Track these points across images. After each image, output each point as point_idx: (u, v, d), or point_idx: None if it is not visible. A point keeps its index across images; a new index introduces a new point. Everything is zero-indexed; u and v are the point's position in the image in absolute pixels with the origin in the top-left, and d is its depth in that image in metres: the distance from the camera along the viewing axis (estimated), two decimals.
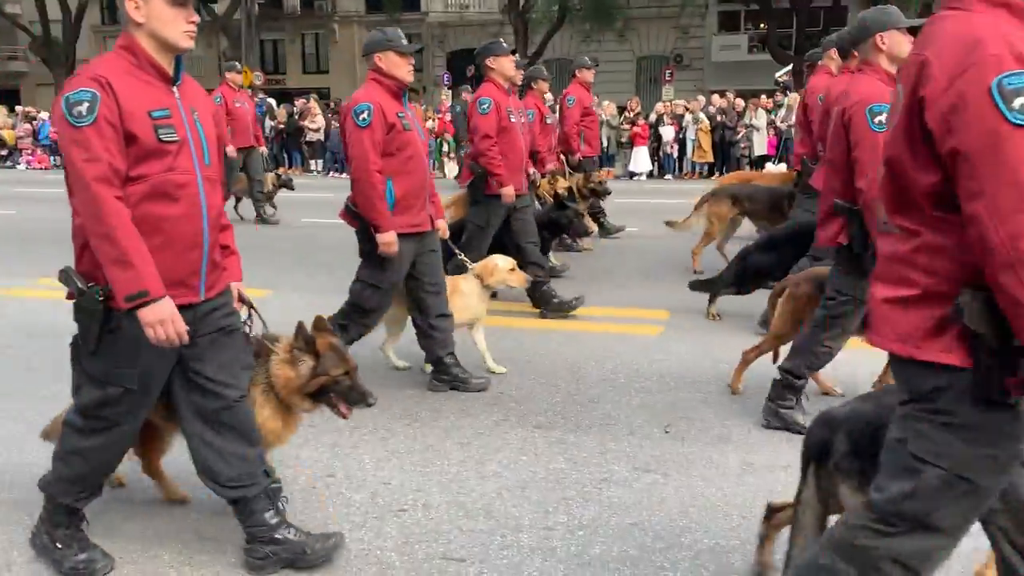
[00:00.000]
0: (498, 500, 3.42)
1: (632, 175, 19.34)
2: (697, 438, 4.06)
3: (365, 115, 4.31)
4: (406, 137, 4.43)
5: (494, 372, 5.04)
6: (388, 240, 4.38)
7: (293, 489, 3.52)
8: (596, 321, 6.37)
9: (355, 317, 4.61)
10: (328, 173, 21.39)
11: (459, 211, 8.22)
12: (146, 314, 2.49)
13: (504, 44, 6.81)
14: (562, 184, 9.11)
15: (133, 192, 2.53)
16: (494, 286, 5.17)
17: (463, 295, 5.04)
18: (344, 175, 20.84)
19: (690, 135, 19.18)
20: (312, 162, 22.04)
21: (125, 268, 2.46)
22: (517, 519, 3.26)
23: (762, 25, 30.85)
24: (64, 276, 2.60)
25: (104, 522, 3.17)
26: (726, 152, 19.23)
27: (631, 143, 19.61)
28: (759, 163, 18.93)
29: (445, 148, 21.05)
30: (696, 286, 6.42)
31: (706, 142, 18.91)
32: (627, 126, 19.82)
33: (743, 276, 6.19)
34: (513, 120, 6.21)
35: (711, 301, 6.39)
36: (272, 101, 23.73)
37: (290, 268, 8.56)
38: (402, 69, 4.43)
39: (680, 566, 2.92)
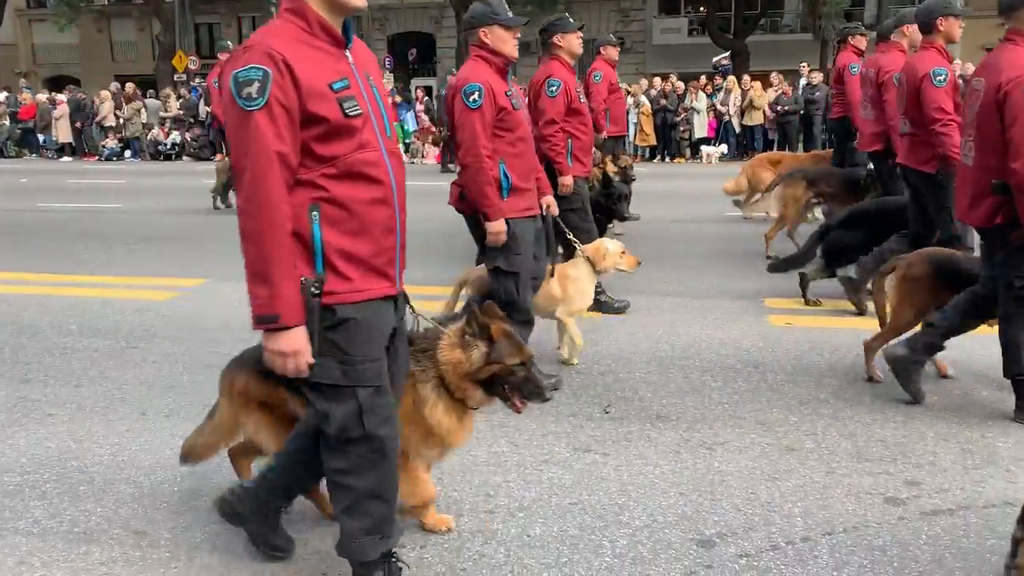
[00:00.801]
0: (439, 484, 3.39)
1: None
2: (636, 417, 4.11)
3: (476, 96, 4.03)
4: (516, 117, 4.18)
5: (571, 364, 4.89)
6: (499, 229, 4.12)
7: (230, 480, 3.46)
8: None
9: (514, 316, 4.00)
10: None
11: None
12: (274, 342, 2.22)
13: (571, 20, 6.51)
14: (611, 166, 8.83)
15: (322, 177, 2.25)
16: (606, 271, 4.93)
17: (577, 281, 4.82)
18: None
19: (631, 119, 19.30)
20: None
21: (263, 283, 2.17)
22: (458, 503, 3.27)
23: (701, 8, 31.17)
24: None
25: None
26: (667, 135, 19.43)
27: None
28: (698, 146, 19.22)
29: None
30: (777, 267, 6.33)
31: (648, 125, 19.07)
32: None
33: (831, 255, 5.99)
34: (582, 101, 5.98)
35: (804, 286, 6.12)
36: (207, 85, 23.17)
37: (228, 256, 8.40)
38: (508, 44, 4.16)
39: (618, 543, 2.95)
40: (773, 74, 19.33)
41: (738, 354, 5.05)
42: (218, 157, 14.22)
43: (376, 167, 2.33)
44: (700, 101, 19.16)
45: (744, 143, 19.22)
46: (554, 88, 5.62)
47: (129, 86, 22.95)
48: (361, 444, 2.38)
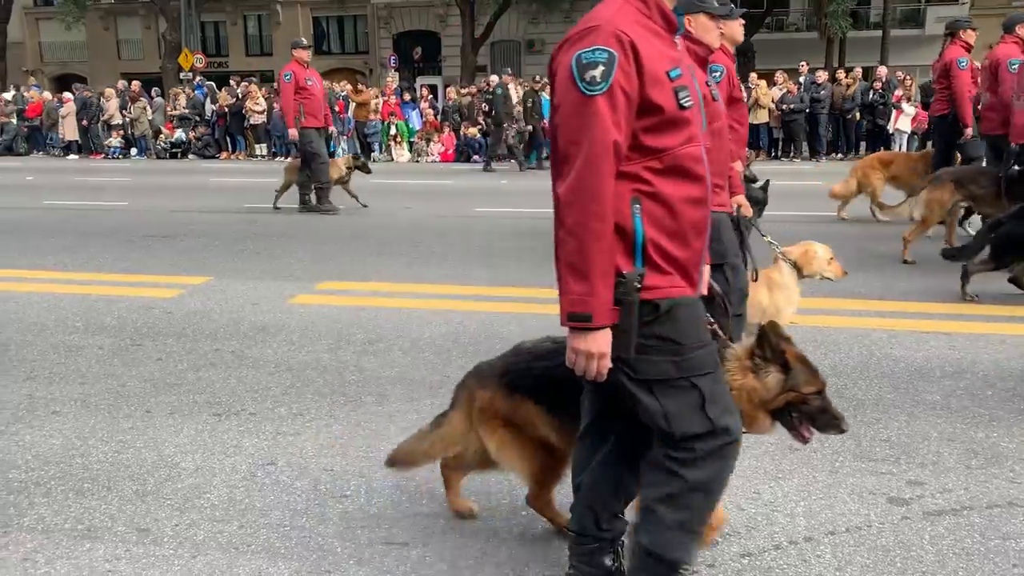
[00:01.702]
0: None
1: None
2: None
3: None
4: (715, 108, 3.99)
5: None
6: (740, 201, 4.07)
7: (233, 478, 3.48)
8: (543, 303, 6.37)
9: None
10: (274, 157, 21.03)
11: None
12: (583, 342, 2.07)
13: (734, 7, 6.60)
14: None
15: (646, 170, 2.09)
16: (811, 276, 4.59)
17: (784, 288, 4.55)
18: (284, 158, 20.55)
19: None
20: (257, 147, 21.63)
21: (580, 279, 2.03)
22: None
23: None
24: None
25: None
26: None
27: None
28: None
29: (393, 131, 20.84)
30: (950, 255, 6.28)
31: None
32: None
33: (1000, 249, 5.89)
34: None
35: (965, 280, 6.00)
36: (212, 84, 23.24)
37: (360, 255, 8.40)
38: (712, 34, 3.95)
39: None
40: (778, 73, 19.28)
41: None
42: (290, 158, 14.09)
43: (699, 163, 2.18)
44: None
45: (749, 141, 19.15)
46: (717, 74, 5.58)
47: (135, 84, 23.02)
48: (706, 439, 2.19)
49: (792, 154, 18.83)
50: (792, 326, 5.59)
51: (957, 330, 5.42)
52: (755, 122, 18.80)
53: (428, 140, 20.56)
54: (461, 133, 20.19)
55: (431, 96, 22.49)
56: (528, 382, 2.76)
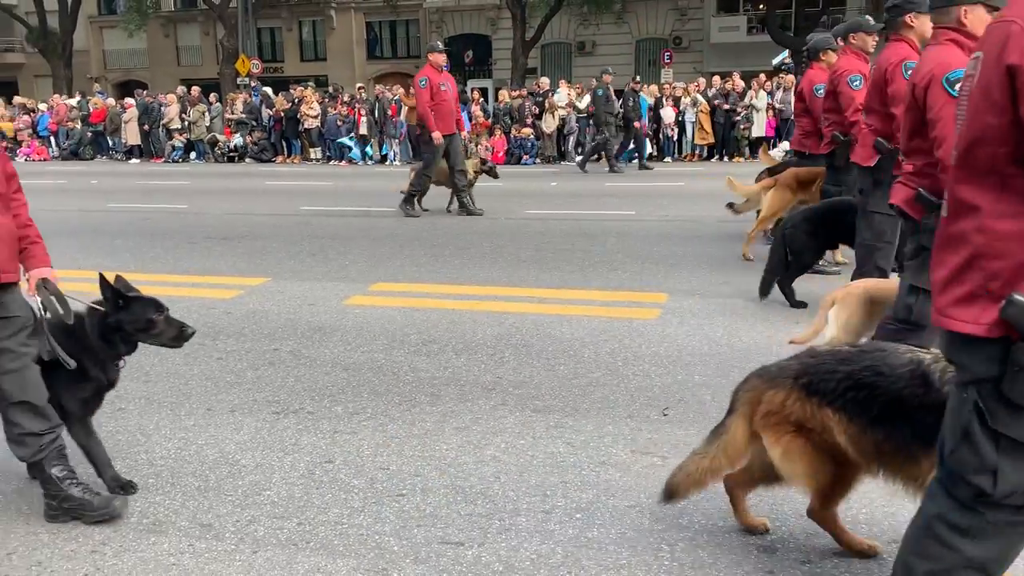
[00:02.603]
0: (496, 484, 3.43)
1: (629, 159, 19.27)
2: (694, 420, 4.06)
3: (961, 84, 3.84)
4: None
5: None
6: None
7: (292, 475, 3.54)
8: (595, 305, 6.37)
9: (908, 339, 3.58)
10: (328, 161, 21.34)
11: None
12: None
13: (870, 20, 6.85)
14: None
15: None
16: None
17: None
18: (338, 162, 20.84)
19: (689, 117, 19.11)
20: (312, 151, 21.97)
21: None
22: (515, 502, 3.28)
23: (761, 6, 30.69)
24: (1016, 308, 1.79)
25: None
26: (726, 134, 19.20)
27: None
28: (755, 145, 18.90)
29: None
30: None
31: (707, 124, 18.87)
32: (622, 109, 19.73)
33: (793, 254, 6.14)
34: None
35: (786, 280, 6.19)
36: (269, 90, 23.68)
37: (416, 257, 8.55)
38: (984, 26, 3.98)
39: (677, 547, 2.93)
40: None
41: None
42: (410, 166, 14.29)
43: None
44: (760, 99, 18.85)
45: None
46: (857, 82, 5.77)
47: (195, 90, 23.58)
48: (1006, 511, 1.93)
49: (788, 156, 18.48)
50: None
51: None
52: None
53: (476, 143, 20.64)
54: (512, 135, 20.24)
55: (482, 99, 22.58)
56: (830, 385, 2.58)
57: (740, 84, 19.46)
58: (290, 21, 37.95)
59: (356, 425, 4.08)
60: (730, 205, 8.72)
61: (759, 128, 18.96)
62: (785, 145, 18.85)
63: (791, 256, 6.24)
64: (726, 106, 18.89)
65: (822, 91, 7.21)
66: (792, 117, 18.38)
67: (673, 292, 6.64)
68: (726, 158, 19.11)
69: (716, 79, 20.09)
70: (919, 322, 3.77)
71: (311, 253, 8.69)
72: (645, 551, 2.91)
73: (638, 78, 19.21)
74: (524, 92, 21.47)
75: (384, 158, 21.24)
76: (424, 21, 36.53)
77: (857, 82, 6.60)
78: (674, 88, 20.09)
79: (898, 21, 5.25)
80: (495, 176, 12.28)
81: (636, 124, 17.67)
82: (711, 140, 19.03)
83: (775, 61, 22.86)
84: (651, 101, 19.49)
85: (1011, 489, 1.88)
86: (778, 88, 19.01)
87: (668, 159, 19.30)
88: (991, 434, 1.87)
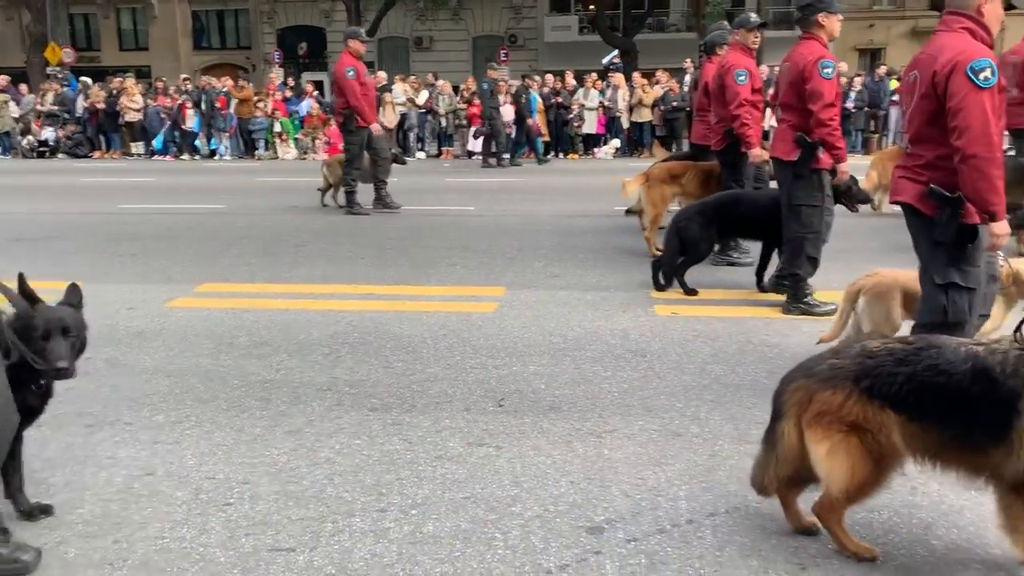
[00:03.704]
0: (330, 486, 3.36)
1: (471, 155, 19.42)
2: (529, 409, 4.15)
3: (988, 73, 3.45)
4: (1004, 99, 3.69)
5: None
6: (1005, 231, 3.62)
7: (107, 491, 3.32)
8: (433, 300, 6.37)
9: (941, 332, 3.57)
10: (151, 156, 20.15)
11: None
12: None
13: (751, 17, 6.85)
14: None
15: None
16: None
17: None
18: (161, 157, 19.74)
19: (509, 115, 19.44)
20: (132, 145, 20.66)
21: None
22: (349, 503, 3.22)
23: (591, 7, 31.68)
24: None
25: None
26: (560, 131, 19.71)
27: (469, 123, 19.68)
28: (590, 142, 19.58)
29: (278, 128, 20.30)
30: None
31: (542, 122, 19.27)
32: (463, 106, 19.87)
33: (686, 245, 6.33)
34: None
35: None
36: (88, 79, 22.04)
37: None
38: (998, 24, 3.70)
39: (511, 535, 2.98)
40: (659, 71, 19.82)
41: (627, 344, 5.17)
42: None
43: None
44: (591, 98, 19.49)
45: (634, 139, 19.69)
46: (829, 70, 5.54)
47: (2, 79, 21.58)
48: None
49: (674, 151, 19.40)
50: (674, 316, 5.79)
51: (827, 319, 5.71)
52: (639, 120, 19.34)
53: (314, 137, 20.13)
54: None
55: (317, 92, 22.02)
56: (892, 388, 2.60)
57: (572, 83, 20.02)
58: (107, 8, 35.46)
59: (179, 434, 3.87)
60: (628, 211, 8.92)
61: (590, 126, 19.62)
62: (616, 142, 19.68)
63: (684, 247, 6.47)
64: (559, 99, 19.39)
65: (744, 77, 7.26)
66: (691, 109, 19.16)
67: (510, 285, 6.75)
68: (562, 155, 19.62)
69: (550, 77, 20.57)
70: (958, 320, 3.70)
71: (131, 254, 8.17)
72: (479, 542, 2.94)
73: (535, 76, 19.39)
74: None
75: (213, 153, 20.31)
76: (254, 11, 35.22)
77: (742, 77, 6.93)
78: (510, 86, 20.37)
79: (810, 20, 5.56)
80: (403, 163, 12.18)
81: (528, 121, 17.95)
82: (546, 137, 19.47)
83: (605, 60, 23.67)
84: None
85: None
86: (608, 87, 19.72)
87: (506, 155, 19.56)
88: None
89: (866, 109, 19.03)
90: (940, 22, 3.75)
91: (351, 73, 10.25)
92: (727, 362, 4.82)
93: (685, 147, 18.28)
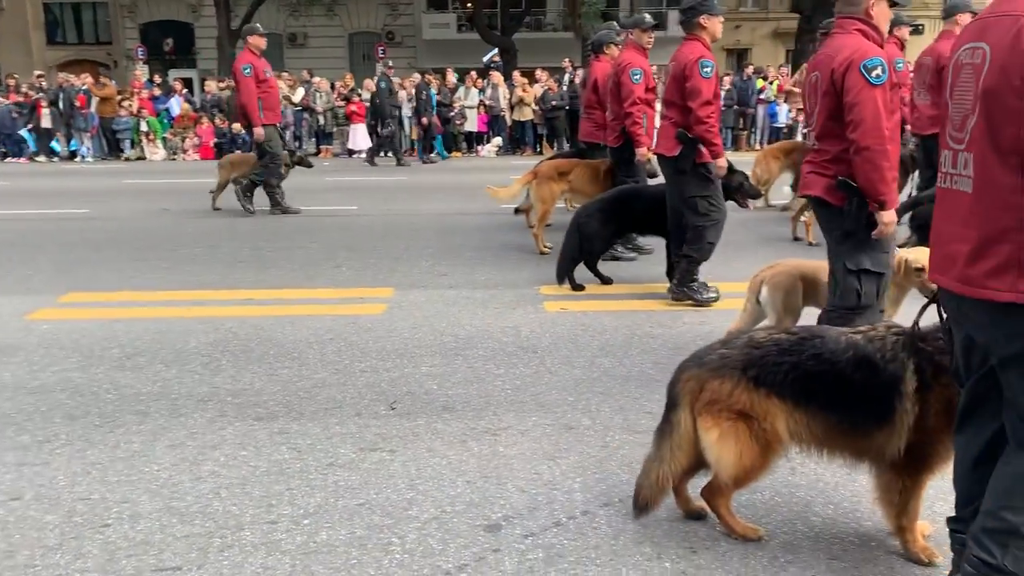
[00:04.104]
0: (216, 500, 3.23)
1: (351, 153, 19.11)
2: (423, 411, 4.12)
3: (879, 71, 3.70)
4: (895, 96, 3.91)
5: None
6: (893, 220, 3.83)
7: None
8: (319, 304, 6.22)
9: (855, 321, 3.80)
10: (3, 159, 18.83)
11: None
12: None
13: (646, 17, 6.89)
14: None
15: None
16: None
17: None
18: (15, 160, 18.53)
19: (406, 112, 19.30)
20: None
21: None
22: (238, 517, 3.10)
23: (468, 5, 31.74)
24: None
25: None
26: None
27: (348, 120, 19.36)
28: (472, 140, 19.62)
29: (145, 128, 19.36)
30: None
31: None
32: (342, 103, 19.54)
33: (923, 228, 6.33)
34: None
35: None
36: None
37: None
38: (887, 24, 3.96)
39: (408, 538, 2.94)
40: (539, 70, 20.07)
41: (518, 341, 5.20)
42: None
43: None
44: (472, 97, 19.53)
45: (516, 138, 19.87)
46: (707, 69, 5.65)
47: None
48: None
49: (555, 148, 19.70)
50: (562, 311, 5.88)
51: (706, 308, 5.94)
52: (520, 119, 19.53)
53: (184, 137, 19.31)
54: (217, 126, 19.15)
55: (186, 90, 21.14)
56: (777, 378, 2.70)
57: (453, 80, 20.00)
58: None
59: (48, 455, 3.63)
60: (517, 210, 8.90)
61: (472, 124, 19.66)
62: (498, 140, 19.81)
63: (586, 242, 6.52)
64: (438, 98, 19.34)
65: (639, 76, 7.35)
66: (580, 109, 19.40)
67: (398, 286, 6.67)
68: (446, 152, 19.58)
69: (426, 76, 20.46)
70: (869, 304, 3.92)
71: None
72: (376, 548, 2.89)
73: (431, 72, 19.13)
74: (232, 83, 20.41)
75: (74, 154, 19.17)
76: (113, 5, 33.42)
77: (637, 76, 7.05)
78: (413, 82, 20.20)
79: (693, 22, 5.77)
80: (309, 166, 11.69)
81: (424, 120, 17.71)
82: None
83: (485, 59, 23.78)
84: (367, 95, 19.42)
85: None
86: (489, 86, 19.82)
87: (388, 153, 19.35)
88: None
89: (735, 107, 19.85)
90: (836, 25, 4.00)
91: (247, 71, 9.93)
92: (615, 355, 4.92)
93: (566, 146, 18.70)
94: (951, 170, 2.21)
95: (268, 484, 3.36)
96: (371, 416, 4.06)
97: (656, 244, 7.17)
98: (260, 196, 10.54)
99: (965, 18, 7.39)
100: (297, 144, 19.46)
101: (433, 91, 18.73)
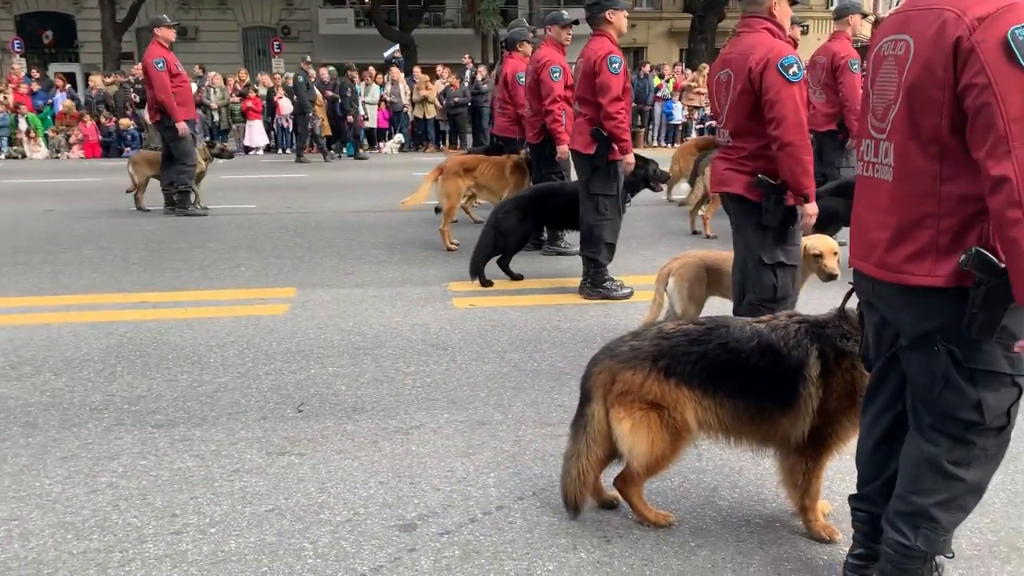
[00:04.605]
0: (115, 513, 3.08)
1: (248, 150, 18.57)
2: (331, 412, 4.03)
3: (796, 68, 3.80)
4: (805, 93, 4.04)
5: None
6: (815, 211, 3.95)
7: None
8: (219, 305, 6.02)
9: (772, 308, 3.87)
10: None
11: None
12: None
13: (564, 14, 6.77)
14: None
15: None
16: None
17: None
18: None
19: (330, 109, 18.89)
20: None
21: None
22: (139, 529, 2.97)
23: (366, 0, 31.29)
24: (977, 258, 2.01)
25: None
26: (340, 126, 19.32)
27: (244, 117, 18.81)
28: (374, 136, 19.39)
29: (24, 126, 18.28)
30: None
31: (322, 115, 18.77)
32: (237, 99, 18.97)
33: (501, 237, 6.45)
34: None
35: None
36: None
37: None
38: (788, 21, 4.06)
39: (320, 543, 2.88)
40: (439, 66, 19.98)
41: (427, 338, 5.17)
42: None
43: None
44: (372, 93, 19.27)
45: (418, 134, 19.74)
46: (616, 64, 5.63)
47: None
48: (992, 435, 2.21)
49: (459, 146, 19.68)
50: (471, 308, 5.86)
51: (612, 301, 6.04)
52: (423, 115, 19.40)
53: (67, 135, 18.35)
54: (102, 124, 18.29)
55: (69, 86, 20.08)
56: (687, 368, 2.76)
57: (353, 76, 19.65)
58: None
59: None
60: (438, 210, 8.79)
61: (372, 120, 19.41)
62: (400, 137, 19.63)
63: (501, 238, 6.49)
64: (330, 93, 19.02)
65: (523, 79, 7.45)
66: (494, 105, 19.18)
67: (301, 285, 6.52)
68: (344, 150, 19.25)
69: (325, 71, 20.05)
70: (785, 295, 4.05)
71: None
72: (287, 554, 2.81)
73: (354, 66, 18.57)
74: (120, 79, 19.53)
75: None
76: None
77: (557, 73, 7.05)
78: (286, 79, 19.70)
79: (598, 17, 5.81)
80: (230, 156, 11.29)
81: (349, 117, 17.31)
82: (327, 131, 19.00)
83: (386, 54, 23.49)
84: (264, 91, 18.95)
85: (996, 414, 2.16)
86: (389, 82, 19.61)
87: (288, 151, 18.91)
88: (967, 373, 2.14)
89: (633, 105, 20.27)
90: (742, 24, 4.11)
91: (160, 65, 9.49)
92: (525, 349, 4.95)
93: (470, 142, 18.71)
94: (872, 159, 2.29)
95: (171, 493, 3.23)
96: (277, 419, 3.96)
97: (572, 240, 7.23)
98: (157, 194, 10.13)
99: (856, 19, 7.79)
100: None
101: (359, 87, 18.44)
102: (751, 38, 3.99)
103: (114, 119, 18.40)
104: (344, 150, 18.08)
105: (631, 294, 6.08)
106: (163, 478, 3.36)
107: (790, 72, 3.82)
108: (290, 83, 18.12)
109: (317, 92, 17.34)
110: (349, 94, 17.63)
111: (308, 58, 17.98)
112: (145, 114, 17.93)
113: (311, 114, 16.95)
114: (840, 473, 3.20)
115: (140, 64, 19.85)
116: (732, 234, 4.31)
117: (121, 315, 5.72)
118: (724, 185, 4.16)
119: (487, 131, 19.46)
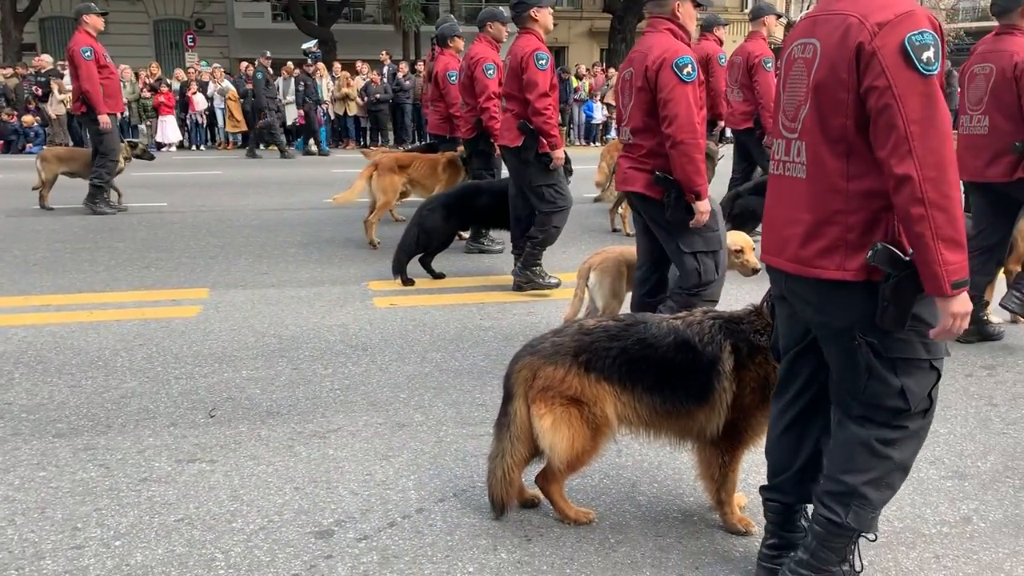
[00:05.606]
0: (10, 528, 2.91)
1: (160, 146, 17.96)
2: (245, 417, 3.91)
3: (690, 69, 3.91)
4: (704, 92, 4.16)
5: None
6: (707, 208, 4.00)
7: None
8: (126, 307, 5.77)
9: (702, 296, 4.05)
10: None
11: None
12: (961, 306, 2.09)
13: (504, 12, 6.60)
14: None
15: None
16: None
17: None
18: None
19: (218, 104, 18.38)
20: None
21: (957, 249, 2.05)
22: (37, 544, 2.81)
23: None
24: (882, 254, 2.11)
25: None
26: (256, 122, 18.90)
27: (156, 112, 18.18)
28: (292, 133, 18.98)
29: None
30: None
31: (237, 111, 18.30)
32: (148, 93, 18.32)
33: (740, 219, 6.56)
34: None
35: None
36: None
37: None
38: (693, 23, 4.18)
39: (232, 552, 2.77)
40: (359, 62, 19.71)
41: (346, 339, 5.07)
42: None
43: None
44: (290, 88, 18.86)
45: (338, 131, 19.42)
46: (543, 61, 5.64)
47: None
48: (918, 417, 2.32)
49: (380, 143, 19.46)
50: (392, 307, 5.78)
51: (534, 299, 6.05)
52: (343, 112, 19.10)
53: None
54: (4, 120, 17.42)
55: None
56: (606, 363, 2.77)
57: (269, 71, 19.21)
58: None
59: None
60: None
61: (290, 117, 19.00)
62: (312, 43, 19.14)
63: (424, 236, 6.40)
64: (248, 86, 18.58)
65: (455, 77, 7.35)
66: (420, 102, 18.84)
67: (214, 286, 6.32)
68: (262, 147, 18.81)
69: (244, 65, 19.59)
70: (710, 279, 4.14)
71: None
72: (197, 565, 2.70)
73: (309, 61, 17.97)
74: (22, 71, 18.62)
75: None
76: None
77: (491, 71, 6.99)
78: (200, 73, 19.16)
79: (524, 16, 5.87)
80: (151, 158, 10.93)
81: (305, 111, 16.88)
82: (243, 127, 18.53)
83: (305, 47, 23.01)
84: (177, 85, 18.35)
85: (919, 398, 2.26)
86: (309, 76, 19.21)
87: (201, 147, 18.37)
88: (888, 363, 2.22)
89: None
90: (647, 25, 4.21)
91: (88, 54, 9.04)
92: (446, 349, 4.90)
93: (391, 139, 18.52)
94: (784, 157, 2.36)
95: (72, 506, 3.07)
96: (188, 425, 3.82)
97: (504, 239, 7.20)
98: (75, 191, 9.67)
99: (771, 20, 8.03)
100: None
101: (320, 84, 18.08)
102: (653, 38, 4.11)
103: (16, 114, 17.53)
104: (295, 145, 17.75)
105: (558, 285, 6.12)
106: (64, 490, 3.19)
107: (684, 72, 3.94)
108: (204, 78, 17.59)
109: (278, 89, 16.98)
110: (306, 88, 17.37)
111: (268, 53, 17.48)
112: (49, 108, 17.21)
113: (269, 109, 16.56)
114: (755, 466, 3.26)
115: (45, 56, 19.11)
116: (636, 234, 4.40)
117: (20, 319, 5.43)
118: (627, 184, 4.25)
119: (409, 128, 19.35)
